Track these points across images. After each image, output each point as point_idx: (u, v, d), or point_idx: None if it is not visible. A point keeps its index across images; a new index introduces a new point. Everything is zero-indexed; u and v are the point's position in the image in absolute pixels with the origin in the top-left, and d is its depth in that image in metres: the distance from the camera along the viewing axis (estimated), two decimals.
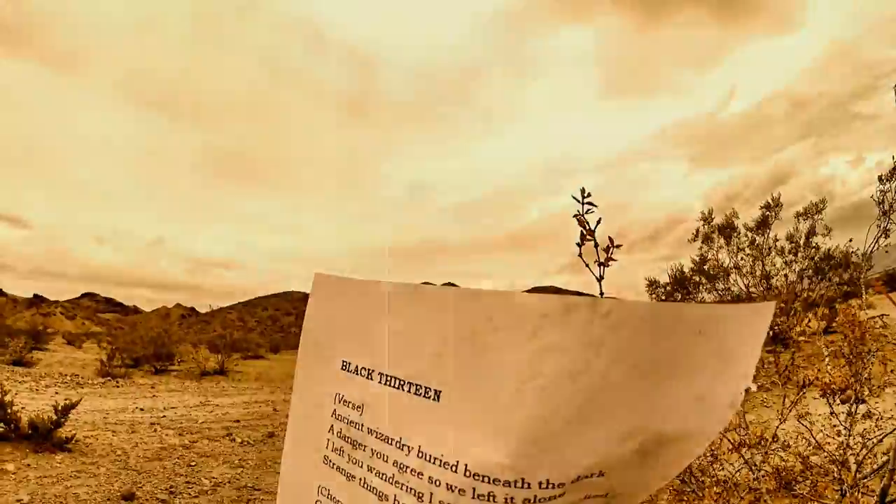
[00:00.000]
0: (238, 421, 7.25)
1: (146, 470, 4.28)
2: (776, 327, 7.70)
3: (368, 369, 0.57)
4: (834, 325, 7.38)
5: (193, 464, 4.58)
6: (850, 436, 1.81)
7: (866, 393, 1.86)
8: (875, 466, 1.82)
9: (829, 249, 6.92)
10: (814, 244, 7.00)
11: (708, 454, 2.20)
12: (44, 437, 4.58)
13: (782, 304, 7.56)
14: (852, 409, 1.80)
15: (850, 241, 6.40)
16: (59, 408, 4.72)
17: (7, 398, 4.77)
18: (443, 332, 0.48)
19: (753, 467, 2.06)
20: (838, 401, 1.81)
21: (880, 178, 3.18)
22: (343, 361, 0.60)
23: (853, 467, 1.76)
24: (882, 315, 6.52)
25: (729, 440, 1.89)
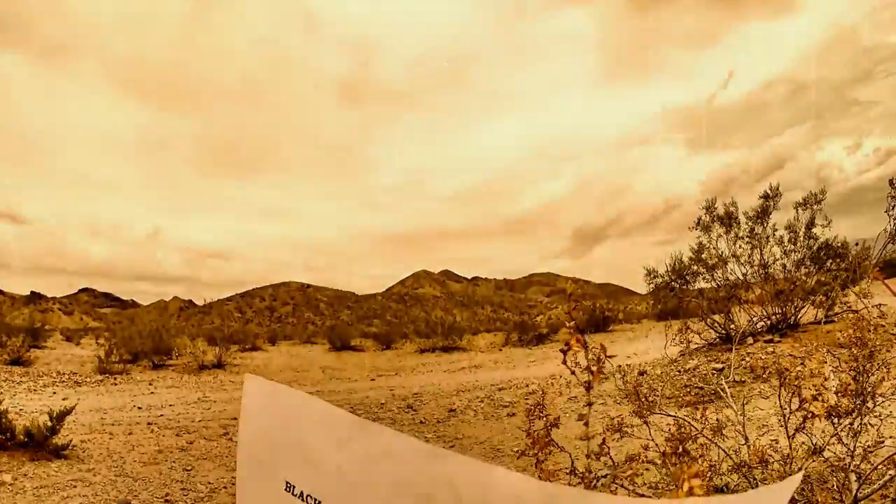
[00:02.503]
0: (235, 418, 7.22)
1: (142, 476, 4.26)
2: (773, 316, 7.69)
3: (315, 499, 0.51)
4: (832, 315, 7.36)
5: (190, 468, 4.56)
6: (852, 456, 1.78)
7: (870, 406, 1.82)
8: (877, 484, 1.79)
9: (828, 240, 6.89)
10: (813, 234, 6.97)
11: (706, 468, 2.18)
12: (40, 445, 4.55)
13: (779, 293, 7.55)
14: (856, 427, 1.77)
15: (857, 245, 6.37)
16: (55, 414, 4.68)
17: (2, 406, 4.73)
18: (398, 484, 0.43)
19: (752, 480, 2.04)
20: (840, 418, 1.78)
21: (891, 183, 3.11)
22: (287, 483, 0.55)
23: (854, 486, 1.73)
24: (880, 304, 6.47)
25: (730, 457, 1.86)
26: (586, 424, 1.24)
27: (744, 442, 2.29)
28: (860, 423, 1.80)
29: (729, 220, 7.66)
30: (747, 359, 6.56)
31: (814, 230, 7.01)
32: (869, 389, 1.81)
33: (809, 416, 1.63)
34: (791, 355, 6.54)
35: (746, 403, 4.65)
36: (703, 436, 1.93)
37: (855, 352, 1.73)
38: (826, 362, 1.91)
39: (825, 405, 1.67)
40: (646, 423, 2.03)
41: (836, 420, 1.73)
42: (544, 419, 1.50)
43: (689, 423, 2.06)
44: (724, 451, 1.99)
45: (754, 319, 7.79)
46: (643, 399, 2.00)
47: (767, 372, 6.11)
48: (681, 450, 1.86)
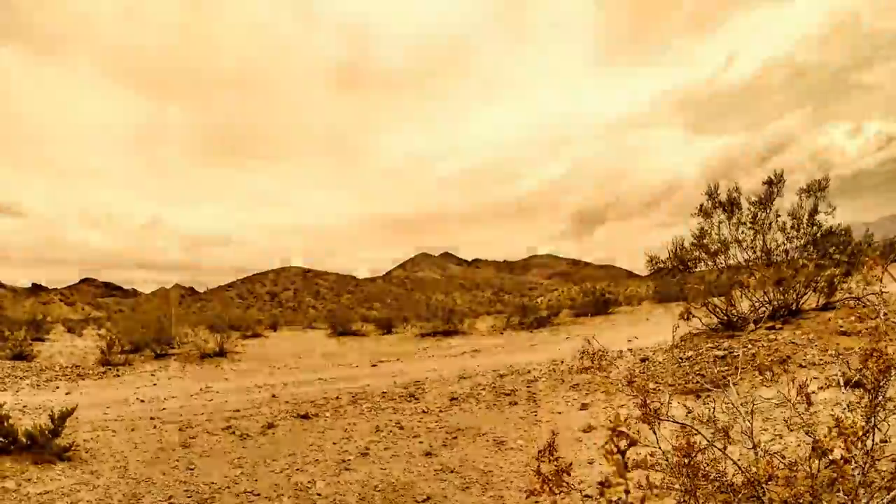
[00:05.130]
0: (237, 410, 7.23)
1: (145, 477, 4.26)
2: (775, 302, 7.66)
3: None
4: (834, 302, 7.33)
5: (192, 467, 4.57)
6: (864, 473, 1.74)
7: (881, 418, 1.78)
8: (887, 498, 1.76)
9: (831, 227, 6.84)
10: (816, 221, 6.91)
11: (712, 473, 2.15)
12: (43, 447, 4.55)
13: (781, 280, 7.51)
14: (867, 445, 1.73)
15: (865, 241, 6.33)
16: (56, 416, 4.67)
17: (4, 409, 4.71)
18: None
19: (760, 487, 2.01)
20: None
21: None
22: None
23: (863, 500, 1.70)
24: (882, 291, 6.42)
25: (742, 470, 1.83)
26: None
27: (751, 446, 2.26)
28: (872, 441, 1.76)
29: (731, 205, 7.58)
30: (750, 346, 6.54)
31: (817, 217, 6.95)
32: (881, 401, 1.77)
33: (826, 453, 1.59)
34: (793, 342, 6.52)
35: (754, 403, 4.63)
36: (714, 446, 1.90)
37: (871, 365, 1.68)
38: (838, 371, 1.87)
39: (839, 427, 1.62)
40: (653, 430, 1.99)
41: (850, 441, 1.69)
42: (555, 462, 1.46)
43: (696, 430, 2.03)
44: (734, 461, 1.96)
45: (756, 305, 7.76)
46: (650, 409, 1.96)
47: (772, 359, 6.09)
48: (689, 462, 1.83)
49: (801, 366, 5.97)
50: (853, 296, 6.96)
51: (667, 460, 1.99)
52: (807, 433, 2.18)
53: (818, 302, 7.45)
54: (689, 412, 1.93)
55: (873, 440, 1.73)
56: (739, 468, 1.88)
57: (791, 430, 3.30)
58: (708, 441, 1.92)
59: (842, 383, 2.99)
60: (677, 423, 2.02)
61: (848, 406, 1.93)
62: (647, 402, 1.91)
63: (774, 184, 7.07)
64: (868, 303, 6.94)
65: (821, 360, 5.91)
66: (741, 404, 2.47)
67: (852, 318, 6.17)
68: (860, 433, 1.63)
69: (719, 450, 1.91)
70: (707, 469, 2.16)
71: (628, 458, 1.78)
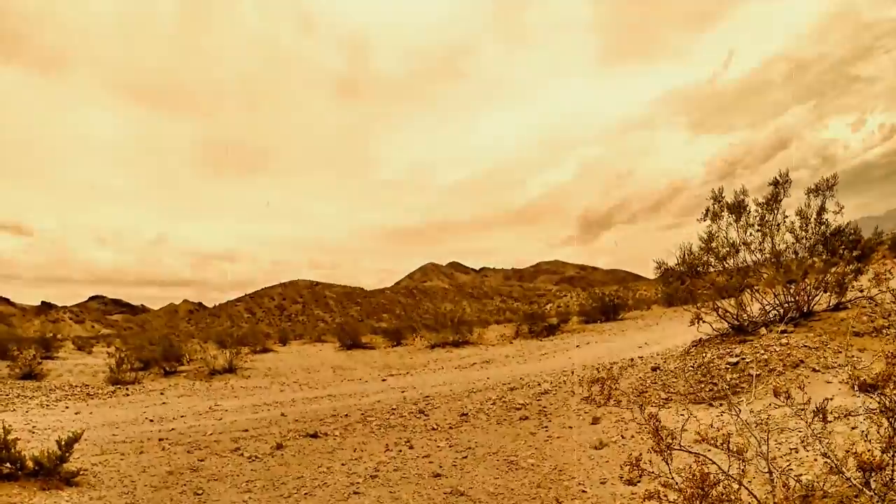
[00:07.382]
0: (246, 430, 7.18)
1: (154, 503, 4.22)
2: (785, 304, 7.54)
3: None
4: (845, 301, 7.20)
5: (200, 492, 4.53)
6: (882, 500, 1.66)
7: None
8: None
9: (839, 226, 6.74)
10: (824, 220, 6.81)
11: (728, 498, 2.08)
12: (50, 473, 4.53)
13: (791, 282, 7.40)
14: (885, 477, 1.65)
15: (876, 233, 6.23)
16: (63, 442, 4.65)
17: (11, 434, 4.70)
18: None
19: None
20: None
21: None
22: None
23: None
24: (894, 289, 6.23)
25: (759, 502, 1.76)
26: None
27: (766, 470, 2.18)
28: (892, 468, 1.68)
29: (738, 208, 7.48)
30: (762, 352, 6.42)
31: (825, 215, 6.85)
32: None
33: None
34: (806, 346, 6.40)
35: (769, 420, 4.52)
36: (730, 476, 1.82)
37: (889, 391, 1.61)
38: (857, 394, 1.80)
39: (860, 457, 1.56)
40: (666, 462, 1.93)
41: (868, 474, 1.62)
42: None
43: (711, 460, 1.96)
44: (750, 492, 1.88)
45: (767, 309, 7.64)
46: (663, 434, 1.90)
47: (784, 364, 5.98)
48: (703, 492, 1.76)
49: (814, 370, 5.85)
50: (865, 295, 6.84)
51: (680, 491, 1.92)
52: (823, 455, 2.10)
53: (830, 302, 7.32)
54: (702, 439, 1.86)
55: (893, 466, 1.66)
56: (756, 498, 1.81)
57: (807, 450, 3.21)
58: (724, 473, 1.85)
59: (857, 390, 2.90)
60: (690, 451, 1.95)
61: (865, 432, 1.86)
62: (659, 430, 1.85)
63: (780, 184, 6.98)
64: (881, 301, 6.82)
65: (834, 363, 5.79)
66: (755, 424, 2.40)
67: (864, 317, 6.05)
68: (877, 461, 1.56)
69: (735, 479, 1.84)
70: (722, 492, 2.09)
71: (640, 489, 1.71)
